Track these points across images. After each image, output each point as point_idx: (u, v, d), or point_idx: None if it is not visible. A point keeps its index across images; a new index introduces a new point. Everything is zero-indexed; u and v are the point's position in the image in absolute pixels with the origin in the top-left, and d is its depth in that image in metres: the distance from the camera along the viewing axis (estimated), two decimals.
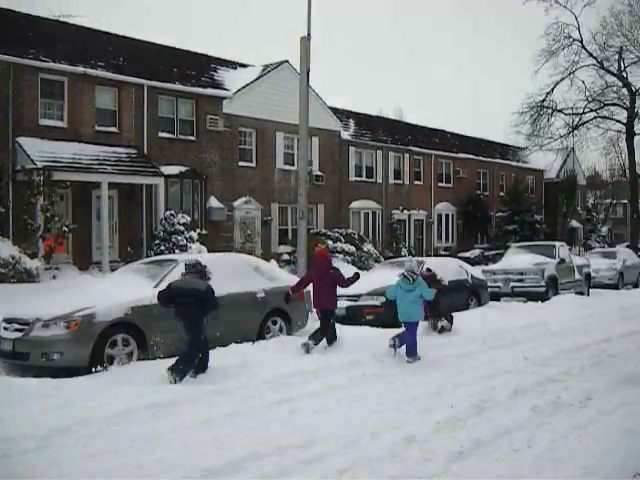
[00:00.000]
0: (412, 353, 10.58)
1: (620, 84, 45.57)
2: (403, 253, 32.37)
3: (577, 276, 23.20)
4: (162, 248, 21.10)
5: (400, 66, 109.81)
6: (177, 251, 20.54)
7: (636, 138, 46.71)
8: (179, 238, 21.40)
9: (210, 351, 9.68)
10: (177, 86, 24.45)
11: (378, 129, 36.05)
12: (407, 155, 36.66)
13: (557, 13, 74.44)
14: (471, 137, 44.49)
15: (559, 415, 7.21)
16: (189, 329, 9.37)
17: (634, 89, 45.11)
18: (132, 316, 10.02)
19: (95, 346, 9.49)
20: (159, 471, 5.45)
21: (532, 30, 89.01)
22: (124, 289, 10.69)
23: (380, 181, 34.87)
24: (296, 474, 5.41)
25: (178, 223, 21.81)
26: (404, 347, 10.70)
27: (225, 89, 26.55)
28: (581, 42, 44.33)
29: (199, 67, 26.95)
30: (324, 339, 11.78)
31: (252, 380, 8.71)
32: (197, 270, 9.66)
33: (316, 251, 12.73)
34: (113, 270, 17.13)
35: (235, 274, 12.08)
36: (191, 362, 9.17)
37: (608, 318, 16.42)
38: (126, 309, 9.99)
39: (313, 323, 14.02)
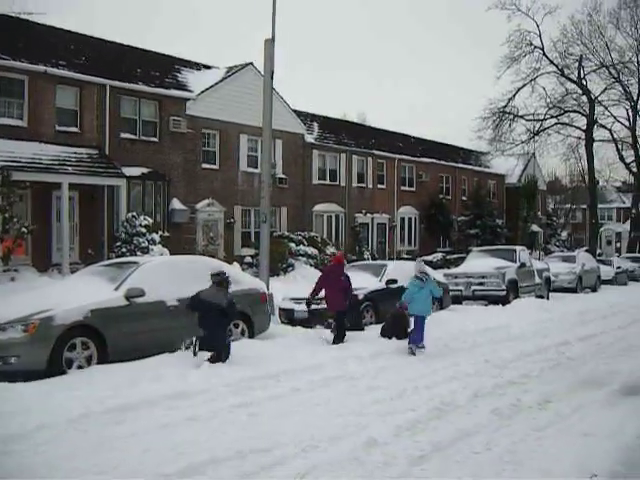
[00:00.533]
0: (419, 340, 11.87)
1: (580, 91, 46.35)
2: (366, 256, 32.47)
3: (537, 280, 23.51)
4: (123, 250, 20.86)
5: (364, 71, 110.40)
6: (139, 253, 20.32)
7: (595, 144, 47.57)
8: (141, 240, 21.18)
9: (170, 354, 9.66)
10: (140, 87, 24.23)
11: (342, 132, 36.12)
12: (370, 159, 36.78)
13: (519, 20, 75.39)
14: (434, 141, 44.80)
15: (518, 418, 7.28)
16: (212, 337, 10.16)
17: (593, 97, 45.91)
18: (92, 319, 9.89)
19: (53, 349, 9.34)
20: (118, 476, 5.38)
21: (494, 37, 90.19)
22: (84, 292, 10.57)
23: (343, 184, 34.93)
24: (255, 478, 5.37)
25: (140, 225, 21.58)
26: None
27: (189, 90, 26.37)
28: (542, 49, 45.01)
29: (163, 68, 26.72)
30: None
31: (213, 384, 8.65)
32: (219, 280, 10.60)
33: (334, 256, 13.30)
34: (73, 272, 16.87)
35: (197, 277, 11.95)
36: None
37: (567, 321, 16.67)
38: (85, 312, 9.86)
39: (275, 326, 14.03)
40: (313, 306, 14.20)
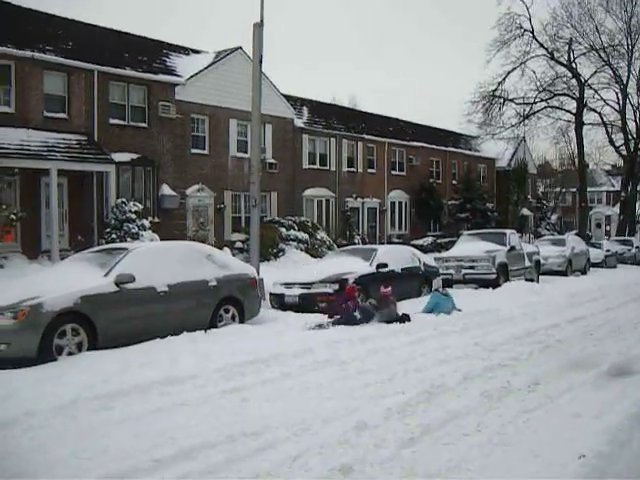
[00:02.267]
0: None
1: (570, 75, 46.28)
2: (356, 241, 32.50)
3: (527, 263, 23.60)
4: (113, 236, 20.79)
5: (354, 55, 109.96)
6: (129, 239, 20.27)
7: (585, 128, 47.61)
8: (131, 226, 21.11)
9: (160, 340, 9.65)
10: (128, 72, 24.05)
11: (332, 117, 36.03)
12: (361, 143, 36.74)
13: (509, 3, 75.30)
14: (424, 125, 44.74)
15: (508, 400, 7.31)
16: None
17: (583, 80, 45.88)
18: (82, 305, 9.88)
19: (43, 336, 9.32)
20: (108, 461, 5.37)
21: (485, 21, 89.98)
22: (73, 278, 10.54)
23: (334, 169, 34.90)
24: (247, 462, 5.39)
25: (130, 211, 21.50)
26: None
27: (178, 75, 26.21)
28: (532, 33, 44.87)
29: (151, 53, 26.52)
30: None
31: (204, 369, 8.65)
32: None
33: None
34: (63, 259, 16.81)
35: (187, 262, 12.01)
36: None
37: (556, 304, 16.73)
38: (75, 298, 9.85)
39: (266, 311, 14.06)
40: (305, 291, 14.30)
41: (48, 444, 5.83)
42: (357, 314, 12.96)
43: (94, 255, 12.12)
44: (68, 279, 10.50)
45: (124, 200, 21.87)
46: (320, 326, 12.49)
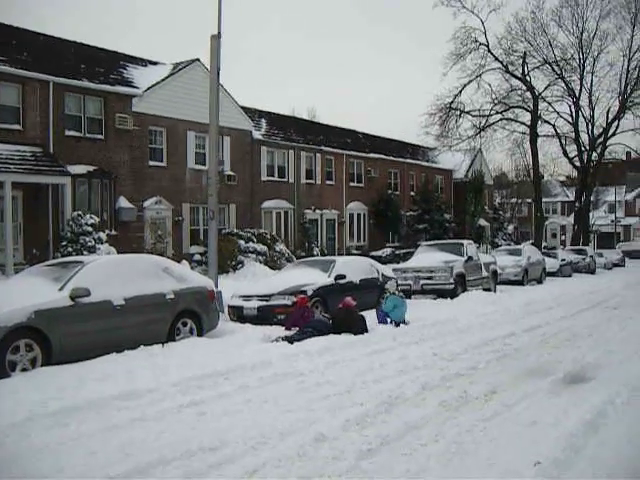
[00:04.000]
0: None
1: (524, 88, 47.10)
2: (315, 252, 32.52)
3: (484, 273, 23.86)
4: (70, 250, 20.51)
5: (312, 68, 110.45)
6: (85, 253, 20.01)
7: (539, 140, 48.47)
8: (87, 239, 20.86)
9: (116, 354, 9.50)
10: (84, 83, 23.80)
11: (290, 129, 36.06)
12: (319, 155, 36.84)
13: (465, 18, 76.67)
14: (382, 137, 45.03)
15: (465, 409, 7.37)
16: None
17: (537, 93, 46.72)
18: (36, 320, 9.68)
19: None
20: None
21: (441, 34, 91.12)
22: (27, 293, 10.34)
23: (292, 181, 34.90)
24: (204, 477, 5.34)
25: (86, 224, 21.26)
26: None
27: (135, 87, 26.01)
28: (487, 46, 45.57)
29: (108, 64, 26.28)
30: None
31: (161, 383, 8.55)
32: None
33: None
34: (17, 273, 16.54)
35: (144, 275, 11.88)
36: None
37: (513, 313, 16.93)
38: (29, 313, 9.64)
39: (224, 324, 13.97)
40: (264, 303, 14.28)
41: (1, 463, 5.69)
42: (310, 329, 12.91)
43: (49, 269, 11.92)
44: (22, 293, 10.30)
45: (80, 213, 21.61)
46: (279, 339, 12.44)
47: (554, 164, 62.79)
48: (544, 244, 50.75)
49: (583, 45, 46.82)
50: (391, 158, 43.05)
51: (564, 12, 46.58)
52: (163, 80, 27.29)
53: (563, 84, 47.81)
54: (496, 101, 47.04)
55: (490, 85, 47.25)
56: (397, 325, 14.45)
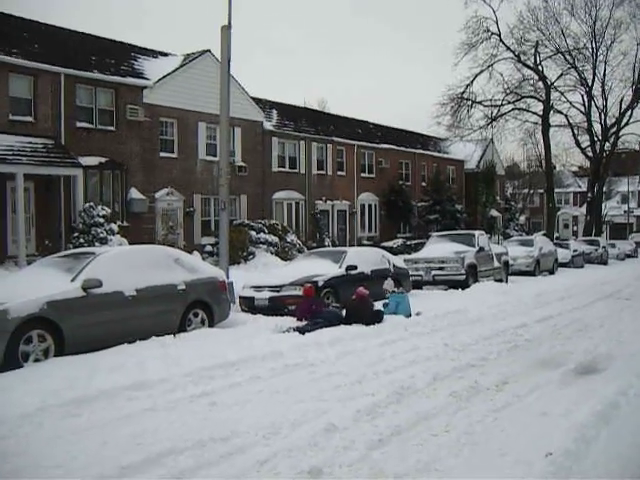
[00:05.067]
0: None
1: (536, 77, 46.89)
2: (326, 243, 32.52)
3: (496, 264, 23.79)
4: (81, 241, 20.60)
5: (324, 58, 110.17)
6: (97, 244, 20.10)
7: (551, 130, 48.18)
8: (99, 230, 20.94)
9: (128, 345, 9.55)
10: (96, 75, 23.84)
11: (301, 120, 36.01)
12: (330, 146, 36.78)
13: (476, 7, 76.17)
14: (393, 128, 44.92)
15: (476, 400, 7.37)
16: None
17: (549, 82, 46.47)
18: (48, 311, 9.73)
19: (9, 343, 9.15)
20: (74, 470, 5.31)
21: (453, 24, 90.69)
22: (40, 284, 10.38)
23: (303, 172, 34.88)
24: (215, 467, 5.36)
25: (98, 215, 21.34)
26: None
27: (146, 78, 26.02)
28: (499, 36, 45.36)
29: (119, 55, 26.30)
30: None
31: (172, 373, 8.57)
32: None
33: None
34: (30, 264, 16.62)
35: (155, 266, 11.91)
36: None
37: (524, 304, 16.88)
38: (42, 304, 9.69)
39: (235, 315, 14.00)
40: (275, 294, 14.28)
41: (11, 453, 5.74)
42: (321, 319, 12.92)
43: (61, 260, 11.97)
44: (34, 284, 10.35)
45: (92, 204, 21.68)
46: (290, 329, 12.45)
47: (566, 154, 62.65)
48: (556, 235, 50.61)
49: (596, 34, 46.52)
50: (402, 148, 42.93)
51: (577, 0, 46.32)
52: (174, 71, 27.30)
53: (576, 74, 47.58)
54: (508, 91, 46.89)
55: (502, 75, 47.01)
56: (408, 316, 14.43)
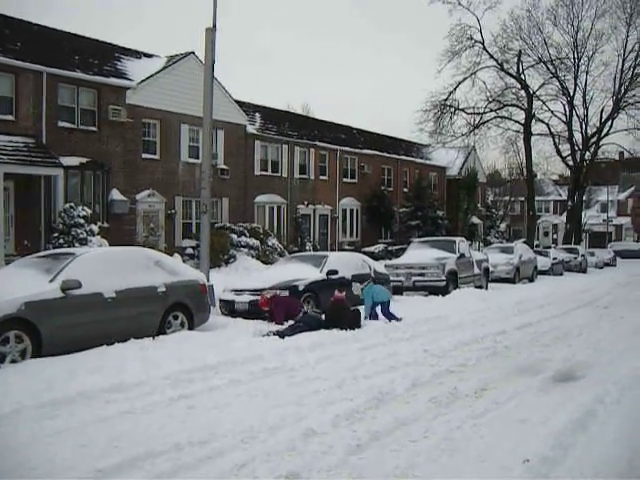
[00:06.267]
0: (394, 317, 14.56)
1: (519, 86, 47.24)
2: (308, 248, 32.48)
3: (476, 270, 23.90)
4: (61, 241, 20.43)
5: (308, 62, 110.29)
6: (77, 245, 19.93)
7: (533, 138, 48.55)
8: (79, 231, 20.77)
9: (107, 347, 9.48)
10: (78, 74, 23.63)
11: (284, 123, 35.95)
12: (313, 150, 36.77)
13: (460, 15, 76.71)
14: (376, 133, 44.95)
15: (455, 406, 7.39)
16: None
17: (531, 91, 46.83)
18: (26, 312, 9.63)
19: None
20: (50, 472, 5.26)
21: (437, 31, 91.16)
22: (18, 284, 10.28)
23: (285, 175, 34.82)
24: (193, 471, 5.33)
25: (78, 216, 21.16)
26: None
27: (129, 79, 25.85)
28: (482, 44, 45.64)
29: (102, 55, 26.08)
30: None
31: (151, 376, 8.53)
32: None
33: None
34: (8, 264, 16.46)
35: (135, 268, 11.85)
36: None
37: (504, 311, 16.99)
38: (19, 305, 9.59)
39: (215, 318, 13.95)
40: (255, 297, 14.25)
41: None
42: (301, 323, 12.93)
43: (40, 260, 11.87)
44: (12, 285, 10.24)
45: (72, 205, 21.51)
46: (270, 333, 12.43)
47: (547, 163, 63.17)
48: (536, 242, 50.92)
49: (578, 44, 46.97)
50: (385, 154, 42.98)
51: (560, 11, 46.79)
52: (157, 72, 27.16)
53: (557, 83, 48.01)
54: (490, 99, 47.18)
55: (485, 83, 47.51)
56: (389, 320, 14.47)
